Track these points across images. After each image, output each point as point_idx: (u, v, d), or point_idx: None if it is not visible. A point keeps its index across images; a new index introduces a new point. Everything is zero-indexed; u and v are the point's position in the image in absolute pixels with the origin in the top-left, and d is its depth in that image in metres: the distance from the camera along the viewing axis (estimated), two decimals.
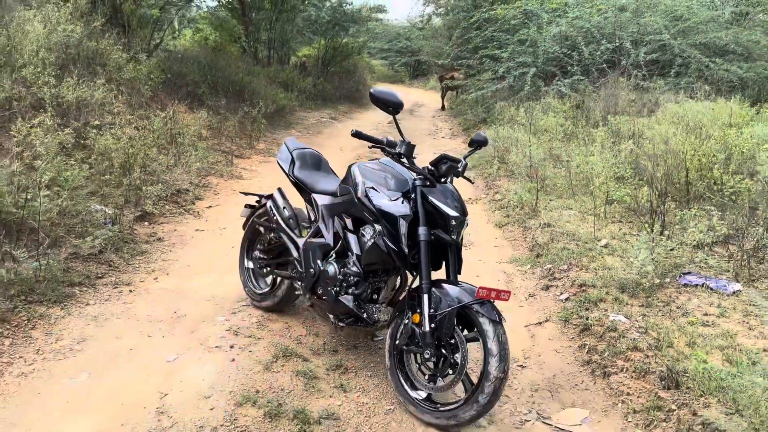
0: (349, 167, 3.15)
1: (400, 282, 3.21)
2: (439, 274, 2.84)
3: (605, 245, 4.76)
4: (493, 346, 2.56)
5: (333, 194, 3.26)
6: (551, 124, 8.23)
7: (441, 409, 2.73)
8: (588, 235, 4.98)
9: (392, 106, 2.81)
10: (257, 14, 13.94)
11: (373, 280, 3.08)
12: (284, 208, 3.60)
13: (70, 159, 4.82)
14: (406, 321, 2.83)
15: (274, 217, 3.60)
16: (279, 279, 3.68)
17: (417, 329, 2.74)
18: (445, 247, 2.83)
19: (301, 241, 3.40)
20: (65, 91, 5.55)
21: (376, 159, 3.18)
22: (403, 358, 2.90)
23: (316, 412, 2.76)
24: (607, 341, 3.44)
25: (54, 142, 4.52)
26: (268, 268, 3.80)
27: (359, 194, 2.96)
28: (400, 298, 3.08)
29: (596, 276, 4.22)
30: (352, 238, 3.06)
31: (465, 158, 2.99)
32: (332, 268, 3.11)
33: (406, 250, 2.79)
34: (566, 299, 4.11)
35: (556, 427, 2.84)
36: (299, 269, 3.35)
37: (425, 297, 2.70)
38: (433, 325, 2.68)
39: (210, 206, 6.09)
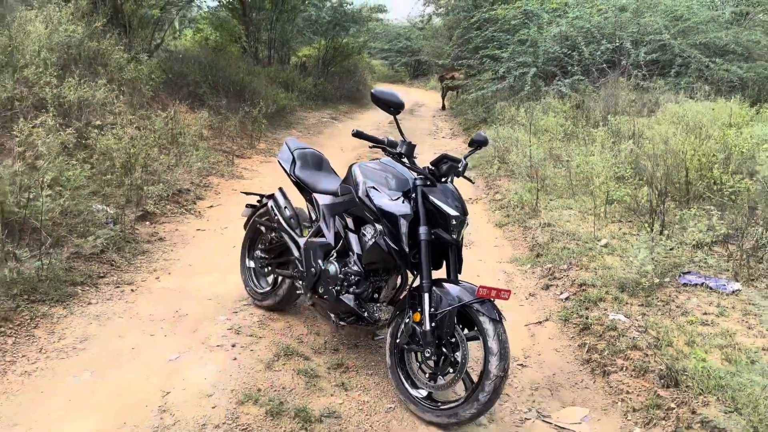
0: (350, 167, 3.17)
1: (401, 281, 3.23)
2: (440, 274, 2.86)
3: (605, 245, 4.77)
4: (493, 344, 2.58)
5: (334, 194, 3.28)
6: (551, 124, 8.25)
7: (442, 407, 2.75)
8: (588, 235, 5.00)
9: (393, 107, 2.83)
10: (258, 14, 13.96)
11: (374, 279, 3.10)
12: (285, 207, 3.62)
13: (71, 159, 4.84)
14: (407, 320, 2.85)
15: (276, 217, 3.61)
16: (280, 278, 3.70)
17: (418, 328, 2.76)
18: (445, 247, 2.85)
19: (302, 241, 3.42)
20: (67, 91, 5.57)
21: (376, 159, 3.20)
22: (403, 356, 2.92)
23: (317, 410, 2.77)
24: (606, 340, 3.46)
25: (56, 142, 4.54)
26: (270, 268, 3.82)
27: (360, 194, 2.98)
28: (401, 297, 3.09)
29: (596, 275, 4.23)
30: (353, 238, 3.07)
31: (465, 158, 3.01)
32: (333, 268, 3.12)
33: (407, 250, 2.81)
34: (566, 298, 4.13)
35: (556, 425, 2.85)
36: (300, 268, 3.37)
37: (426, 296, 2.72)
38: (433, 324, 2.69)
39: (211, 206, 6.11)
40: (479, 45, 13.01)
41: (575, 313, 3.86)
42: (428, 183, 2.84)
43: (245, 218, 4.00)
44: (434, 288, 2.75)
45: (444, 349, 2.73)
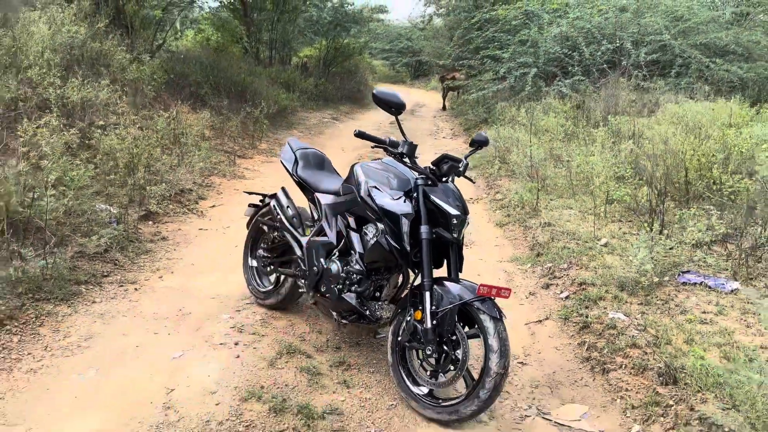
0: (352, 167, 3.20)
1: (402, 280, 3.26)
2: (441, 273, 2.89)
3: (605, 244, 4.80)
4: (493, 342, 2.61)
5: (336, 193, 3.31)
6: (552, 124, 8.28)
7: (442, 404, 2.78)
8: (588, 235, 5.03)
9: (395, 107, 2.86)
10: (259, 15, 14.00)
11: (376, 277, 3.13)
12: (288, 207, 3.65)
13: (75, 159, 4.88)
14: (408, 318, 2.88)
15: (278, 216, 3.65)
16: (282, 277, 3.73)
17: (419, 326, 2.79)
18: (446, 246, 2.88)
19: (304, 240, 3.45)
20: (70, 92, 5.60)
21: (378, 159, 3.23)
22: (405, 354, 2.95)
23: (319, 407, 2.81)
24: (606, 338, 3.49)
25: (59, 143, 4.57)
26: (272, 267, 3.85)
27: (362, 193, 3.01)
28: (402, 295, 3.13)
29: (596, 274, 4.26)
30: (354, 237, 3.10)
31: (466, 158, 3.04)
32: (335, 267, 3.15)
33: (408, 249, 2.84)
34: (566, 297, 4.16)
35: (555, 422, 2.88)
36: (303, 267, 3.40)
37: (427, 294, 2.75)
38: (434, 322, 2.73)
39: (213, 206, 6.15)
40: (480, 45, 13.05)
41: (575, 311, 3.89)
42: (429, 183, 2.88)
43: (248, 218, 4.03)
44: (435, 286, 2.78)
45: (445, 347, 2.76)
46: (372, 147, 3.01)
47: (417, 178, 2.89)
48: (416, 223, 2.83)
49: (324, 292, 3.22)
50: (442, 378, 2.81)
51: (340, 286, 3.11)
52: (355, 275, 3.07)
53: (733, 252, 4.43)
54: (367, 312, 3.09)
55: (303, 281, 3.43)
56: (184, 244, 4.95)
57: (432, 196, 2.82)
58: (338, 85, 16.49)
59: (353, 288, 3.09)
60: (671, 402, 2.84)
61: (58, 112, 5.19)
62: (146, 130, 6.40)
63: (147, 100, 7.59)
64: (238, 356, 3.19)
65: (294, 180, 3.65)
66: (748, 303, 3.76)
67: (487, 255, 5.16)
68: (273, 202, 3.73)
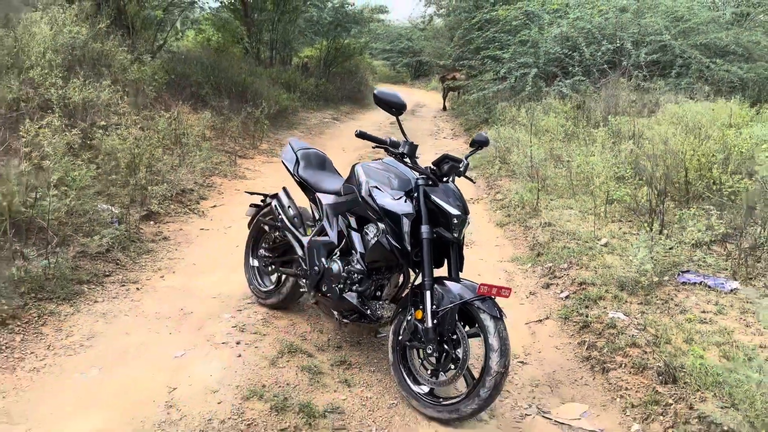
0: (353, 167, 3.22)
1: (403, 279, 3.27)
2: (441, 272, 2.91)
3: (605, 244, 4.82)
4: (494, 341, 2.62)
5: (337, 193, 3.33)
6: (552, 124, 8.29)
7: (443, 403, 2.80)
8: (588, 234, 5.04)
9: (395, 107, 2.88)
10: (259, 15, 14.02)
11: (377, 277, 3.15)
12: (289, 207, 3.67)
13: (77, 159, 4.89)
14: (409, 317, 2.90)
15: (279, 216, 3.66)
16: (284, 277, 3.75)
17: (419, 325, 2.81)
18: (447, 245, 2.89)
19: (305, 240, 3.47)
20: (72, 92, 5.62)
21: (379, 159, 3.25)
22: (405, 353, 2.97)
23: (321, 406, 2.82)
24: (606, 338, 3.50)
25: (61, 143, 4.59)
26: (273, 266, 3.87)
27: (363, 193, 3.02)
28: (403, 295, 3.14)
29: (596, 274, 4.28)
30: (356, 237, 3.12)
31: (466, 158, 3.05)
32: (336, 266, 3.17)
33: (409, 248, 2.85)
34: (566, 297, 4.17)
35: (556, 421, 2.90)
36: (304, 267, 3.42)
37: (428, 294, 2.77)
38: (435, 321, 2.74)
39: (214, 206, 6.17)
40: (480, 46, 13.06)
41: (575, 311, 3.90)
42: (430, 183, 2.89)
43: (249, 218, 4.05)
44: (436, 286, 2.80)
45: (445, 346, 2.78)
46: (373, 147, 3.03)
47: (418, 178, 2.91)
48: (417, 223, 2.84)
49: (325, 291, 3.24)
50: (442, 377, 2.82)
51: (342, 286, 3.13)
52: (356, 275, 3.09)
53: (733, 252, 4.45)
54: (368, 311, 3.10)
55: (304, 281, 3.44)
56: (185, 244, 4.97)
57: (433, 196, 2.84)
58: (339, 85, 16.51)
59: (354, 287, 3.10)
60: (671, 401, 2.86)
61: (60, 113, 5.21)
62: (147, 131, 6.42)
63: (148, 100, 7.61)
64: (239, 355, 3.21)
65: (295, 180, 3.67)
66: (747, 302, 3.77)
67: (487, 255, 5.18)
68: (274, 202, 3.75)
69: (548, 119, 8.51)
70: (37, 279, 3.64)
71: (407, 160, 2.97)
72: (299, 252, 3.50)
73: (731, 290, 3.94)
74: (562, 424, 2.88)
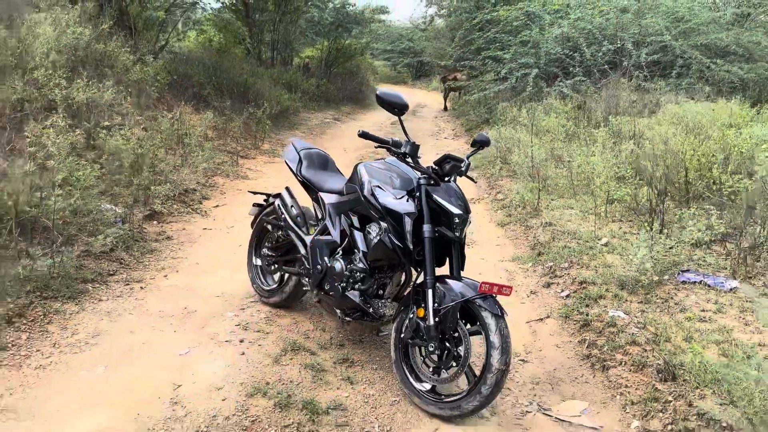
0: (356, 166, 3.25)
1: (405, 278, 3.30)
2: (443, 271, 2.94)
3: (605, 244, 4.84)
4: (495, 338, 2.65)
5: (339, 193, 3.36)
6: (553, 124, 8.32)
7: (445, 400, 2.83)
8: (589, 234, 5.07)
9: (398, 108, 2.91)
10: (261, 16, 14.05)
11: (379, 276, 3.18)
12: (292, 206, 3.70)
13: (81, 159, 4.93)
14: (411, 315, 2.93)
15: (282, 216, 3.69)
16: (287, 275, 3.77)
17: (421, 323, 2.84)
18: (448, 244, 2.92)
19: (308, 239, 3.50)
20: (75, 93, 5.66)
21: (381, 159, 3.28)
22: (408, 351, 3.00)
23: (324, 402, 2.85)
24: (606, 336, 3.53)
25: (66, 143, 4.63)
26: (276, 265, 3.90)
27: (365, 193, 3.05)
28: (405, 293, 3.17)
29: (596, 273, 4.30)
30: (358, 236, 3.15)
31: (468, 158, 3.08)
32: (339, 265, 3.20)
33: (411, 247, 2.89)
34: (567, 296, 4.20)
35: (556, 418, 2.93)
36: (307, 266, 3.45)
37: (429, 292, 2.80)
38: (437, 319, 2.77)
39: (217, 205, 6.20)
40: (481, 46, 13.09)
41: (576, 310, 3.93)
42: (432, 182, 2.92)
43: (252, 217, 4.08)
44: (438, 284, 2.83)
45: (447, 344, 2.81)
46: (375, 147, 3.06)
47: (420, 178, 2.94)
48: (419, 222, 2.87)
49: (328, 290, 3.27)
50: (444, 374, 2.85)
51: (344, 284, 3.16)
52: (358, 273, 3.12)
53: (733, 251, 4.47)
54: (371, 309, 3.13)
55: (307, 279, 3.48)
56: (188, 244, 5.00)
57: (434, 196, 2.87)
58: (340, 85, 16.54)
59: (357, 286, 3.13)
60: (670, 398, 2.89)
61: (64, 113, 5.25)
62: (150, 131, 6.46)
63: (151, 100, 7.65)
64: (243, 353, 3.24)
65: (298, 180, 3.70)
66: (746, 301, 3.80)
67: (488, 254, 5.21)
68: (277, 202, 3.78)
69: (549, 119, 8.54)
70: (43, 278, 3.68)
71: (409, 159, 3.00)
72: (302, 251, 3.53)
73: (731, 289, 3.97)
74: (563, 421, 2.91)
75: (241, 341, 3.38)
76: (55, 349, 3.16)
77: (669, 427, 2.74)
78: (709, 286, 4.03)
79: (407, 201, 2.92)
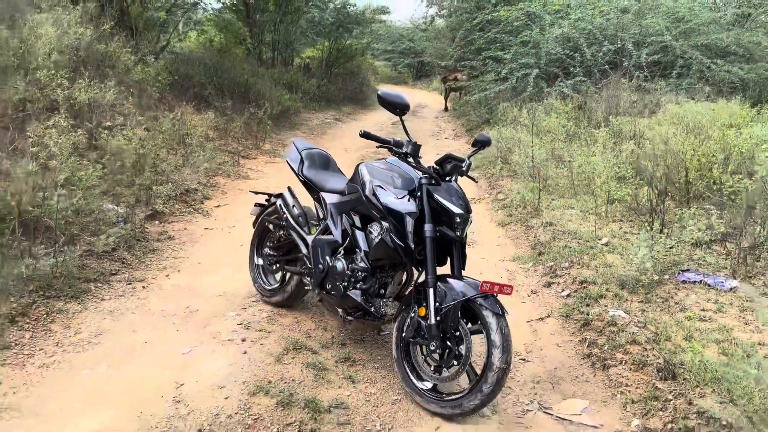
0: (357, 166, 3.26)
1: (407, 277, 3.31)
2: (444, 270, 2.95)
3: (606, 243, 4.86)
4: (496, 337, 2.67)
5: (341, 193, 3.37)
6: (553, 124, 8.33)
7: (446, 398, 2.84)
8: (589, 234, 5.09)
9: (399, 108, 2.93)
10: (261, 16, 14.07)
11: (381, 275, 3.19)
12: (294, 206, 3.71)
13: (83, 159, 4.95)
14: (413, 314, 2.94)
15: (284, 215, 3.71)
16: (288, 275, 3.79)
17: (423, 322, 2.85)
18: (449, 244, 2.94)
19: (310, 238, 3.51)
20: (77, 93, 5.67)
21: (382, 159, 3.29)
22: (409, 350, 3.01)
23: (326, 401, 2.87)
24: (606, 335, 3.55)
25: (68, 143, 4.65)
26: (278, 265, 3.91)
27: (367, 192, 3.07)
28: (407, 292, 3.19)
29: (597, 273, 4.32)
30: (359, 235, 3.17)
31: (469, 158, 3.10)
32: (341, 264, 3.22)
33: (413, 246, 2.90)
34: (567, 295, 4.22)
35: (557, 416, 2.94)
36: (309, 265, 3.47)
37: (431, 291, 2.81)
38: (438, 318, 2.79)
39: (218, 205, 6.22)
40: (482, 46, 13.10)
41: (576, 309, 3.94)
42: (433, 182, 2.94)
43: (254, 217, 4.09)
44: (439, 283, 2.84)
45: (448, 343, 2.82)
46: (377, 147, 3.08)
47: (421, 178, 2.96)
48: (420, 222, 2.89)
49: (329, 289, 3.29)
50: (445, 373, 2.87)
51: (346, 284, 3.17)
52: (360, 273, 3.13)
53: (733, 251, 4.48)
54: (372, 309, 3.15)
55: (309, 279, 3.49)
56: (190, 243, 5.02)
57: (436, 195, 2.89)
58: (340, 86, 16.56)
59: (358, 285, 3.15)
60: (670, 396, 2.90)
61: (66, 113, 5.26)
62: (152, 131, 6.47)
63: (152, 101, 7.66)
64: (245, 352, 3.26)
65: (300, 179, 3.72)
66: (746, 301, 3.81)
67: (489, 254, 5.22)
68: (279, 202, 3.80)
69: (549, 120, 8.55)
70: (46, 277, 3.69)
71: (411, 159, 3.02)
72: (304, 250, 3.54)
73: (731, 289, 3.98)
74: (563, 419, 2.92)
75: (243, 340, 3.39)
76: (59, 348, 3.18)
77: (669, 426, 2.75)
78: (709, 285, 4.04)
79: (409, 201, 2.94)
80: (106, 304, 3.73)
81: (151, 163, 5.67)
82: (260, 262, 4.04)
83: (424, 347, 2.93)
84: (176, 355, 3.19)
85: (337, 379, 3.11)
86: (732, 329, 3.42)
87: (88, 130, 5.51)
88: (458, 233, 2.87)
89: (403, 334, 3.01)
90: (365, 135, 3.02)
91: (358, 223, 3.21)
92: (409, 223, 2.89)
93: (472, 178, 3.31)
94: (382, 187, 3.03)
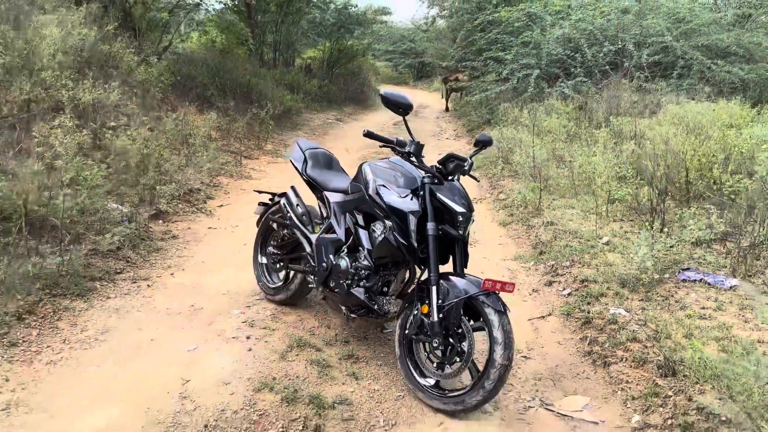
0: (361, 166, 3.30)
1: (409, 275, 3.35)
2: (447, 268, 2.99)
3: (606, 242, 4.89)
4: (498, 334, 2.70)
5: (344, 192, 3.41)
6: (554, 125, 8.37)
7: (449, 395, 2.88)
8: (590, 233, 5.12)
9: (402, 108, 2.96)
10: (263, 17, 14.11)
11: (384, 273, 3.23)
12: (297, 205, 3.75)
13: (88, 159, 4.98)
14: (416, 312, 2.98)
15: (288, 214, 3.74)
16: (292, 273, 3.83)
17: (426, 319, 2.89)
18: (452, 242, 2.97)
19: (313, 237, 3.55)
20: (81, 94, 5.71)
21: (385, 158, 3.33)
22: (412, 347, 3.05)
23: (330, 397, 2.91)
24: (607, 333, 3.58)
25: (73, 143, 4.68)
26: (282, 263, 3.95)
27: (370, 191, 3.11)
28: (410, 290, 3.23)
29: (598, 272, 4.35)
30: (363, 234, 3.20)
31: (471, 157, 3.13)
32: (344, 263, 3.25)
33: (415, 245, 2.94)
34: (568, 294, 4.25)
35: (558, 413, 2.98)
36: (312, 264, 3.50)
37: (434, 289, 2.85)
38: (441, 315, 2.82)
39: (221, 205, 6.25)
40: (483, 47, 13.14)
41: (577, 307, 3.98)
42: (436, 181, 2.97)
43: (258, 216, 4.13)
44: (441, 281, 2.88)
45: (451, 340, 2.86)
46: (380, 146, 3.11)
47: (424, 177, 2.99)
48: (423, 221, 2.92)
49: (333, 287, 3.32)
50: (448, 370, 2.90)
51: (349, 282, 3.21)
52: (363, 271, 3.17)
53: (732, 250, 4.52)
54: (375, 306, 3.18)
55: (312, 277, 3.53)
56: (194, 243, 5.06)
57: (438, 194, 2.92)
58: (342, 86, 16.60)
59: (362, 283, 3.18)
60: (670, 393, 2.94)
61: (71, 114, 5.30)
62: (155, 131, 6.51)
63: (155, 101, 7.70)
64: (250, 349, 3.30)
65: (303, 179, 3.75)
66: (746, 299, 3.84)
67: (490, 253, 5.25)
68: (283, 201, 3.83)
69: (550, 120, 8.59)
70: (52, 275, 3.73)
71: (413, 159, 3.05)
72: (307, 249, 3.58)
73: (730, 287, 4.02)
74: (565, 416, 2.96)
75: (248, 338, 3.43)
76: (65, 345, 3.22)
77: (669, 422, 2.78)
78: (709, 284, 4.08)
79: (411, 199, 2.97)
80: (111, 302, 3.77)
81: (154, 163, 5.71)
82: (264, 260, 4.08)
83: (426, 344, 2.97)
84: (182, 353, 3.23)
85: (341, 376, 3.14)
86: (731, 327, 3.45)
87: (93, 130, 5.55)
88: (461, 232, 2.90)
89: (406, 332, 3.04)
90: (369, 135, 3.05)
91: (361, 221, 3.24)
92: (412, 221, 2.92)
93: (474, 178, 3.34)
94: (385, 186, 3.06)
